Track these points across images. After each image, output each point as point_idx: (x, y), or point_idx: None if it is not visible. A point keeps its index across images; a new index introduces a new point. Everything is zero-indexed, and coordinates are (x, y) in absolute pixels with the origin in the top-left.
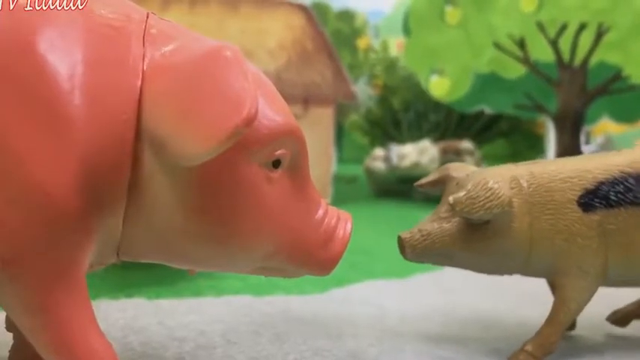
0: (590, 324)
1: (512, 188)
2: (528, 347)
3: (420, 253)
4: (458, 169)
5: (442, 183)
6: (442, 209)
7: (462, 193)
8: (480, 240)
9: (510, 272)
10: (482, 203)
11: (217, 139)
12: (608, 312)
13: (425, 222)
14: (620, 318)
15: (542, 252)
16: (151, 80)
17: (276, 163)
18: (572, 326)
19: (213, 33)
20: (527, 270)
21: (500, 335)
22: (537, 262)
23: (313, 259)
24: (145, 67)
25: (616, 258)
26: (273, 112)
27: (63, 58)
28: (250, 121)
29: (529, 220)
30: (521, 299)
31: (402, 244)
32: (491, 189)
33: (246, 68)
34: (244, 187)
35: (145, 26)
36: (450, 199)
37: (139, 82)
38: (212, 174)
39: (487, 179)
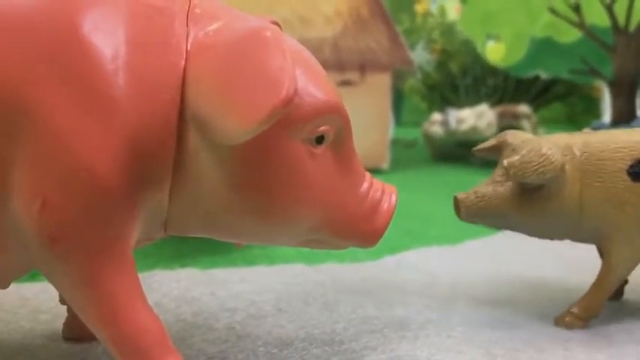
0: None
1: (565, 155)
2: (574, 310)
3: (474, 213)
4: (515, 136)
5: (499, 149)
6: (497, 173)
7: (516, 157)
8: (532, 204)
9: (561, 237)
10: (535, 168)
11: (256, 119)
12: None
13: (481, 185)
14: None
15: (591, 218)
16: (194, 60)
17: (320, 139)
18: (620, 295)
19: (271, 0)
20: (577, 235)
21: (549, 301)
22: (586, 228)
23: (358, 232)
24: (188, 47)
25: None
26: (315, 89)
27: (107, 39)
28: (288, 101)
29: (580, 187)
30: (571, 266)
31: (457, 204)
32: (544, 154)
33: (285, 48)
34: (288, 163)
35: (189, 6)
36: (505, 162)
37: (183, 62)
38: (256, 151)
39: (541, 145)
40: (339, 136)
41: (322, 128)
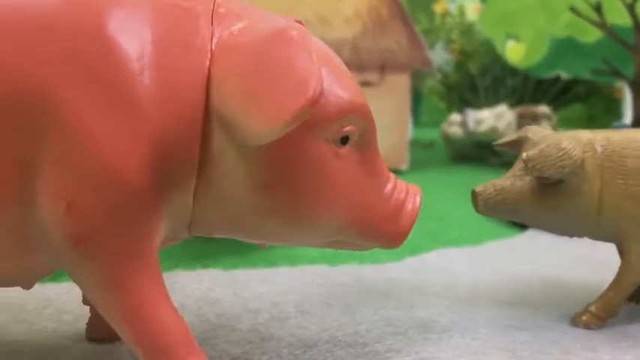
0: None
1: (586, 152)
2: (592, 308)
3: (492, 207)
4: (536, 132)
5: (519, 144)
6: (517, 167)
7: (534, 151)
8: (550, 199)
9: (579, 234)
10: (553, 162)
11: (283, 120)
12: None
13: (500, 178)
14: None
15: (610, 216)
16: (219, 60)
17: (344, 140)
18: (639, 298)
19: (291, 1)
20: (596, 233)
21: (570, 302)
22: (605, 226)
23: (382, 233)
24: (213, 47)
25: None
26: (340, 89)
27: (132, 39)
28: (315, 102)
29: (600, 184)
30: (593, 267)
31: (475, 197)
32: (563, 149)
33: (311, 48)
34: (313, 164)
35: (214, 6)
36: (523, 155)
37: (208, 62)
38: (281, 151)
39: (561, 140)
40: (363, 137)
41: (347, 128)
